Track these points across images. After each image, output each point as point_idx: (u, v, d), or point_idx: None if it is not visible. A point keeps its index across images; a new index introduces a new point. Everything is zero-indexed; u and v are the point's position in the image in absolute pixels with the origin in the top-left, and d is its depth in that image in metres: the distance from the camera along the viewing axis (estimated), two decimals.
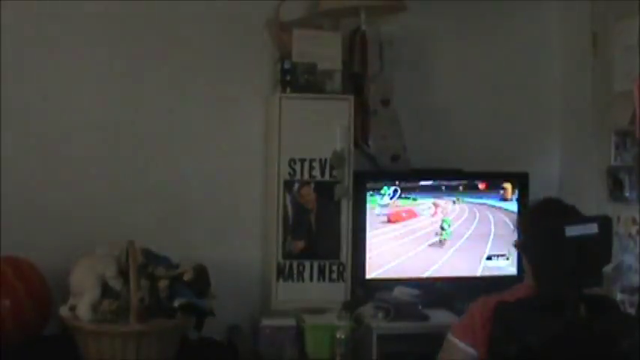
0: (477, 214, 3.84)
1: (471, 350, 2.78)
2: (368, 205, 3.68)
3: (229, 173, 3.78)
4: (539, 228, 2.76)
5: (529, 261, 2.84)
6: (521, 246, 2.96)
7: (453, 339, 2.84)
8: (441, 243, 3.80)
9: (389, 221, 3.72)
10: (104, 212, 3.61)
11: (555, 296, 2.66)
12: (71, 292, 3.23)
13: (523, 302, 2.72)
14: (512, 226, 3.70)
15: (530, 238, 2.83)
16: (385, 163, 3.84)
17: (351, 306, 3.52)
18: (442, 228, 3.80)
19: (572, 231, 2.64)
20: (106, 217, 3.60)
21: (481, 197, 3.85)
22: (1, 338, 3.18)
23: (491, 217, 3.86)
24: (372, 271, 3.70)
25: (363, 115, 3.76)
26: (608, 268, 3.05)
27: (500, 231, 3.85)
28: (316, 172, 3.60)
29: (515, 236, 3.09)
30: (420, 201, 3.77)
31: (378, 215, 3.70)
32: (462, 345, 2.80)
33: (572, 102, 4.09)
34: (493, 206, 3.86)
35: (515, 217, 3.79)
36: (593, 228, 2.67)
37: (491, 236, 3.86)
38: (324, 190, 3.61)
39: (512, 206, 3.85)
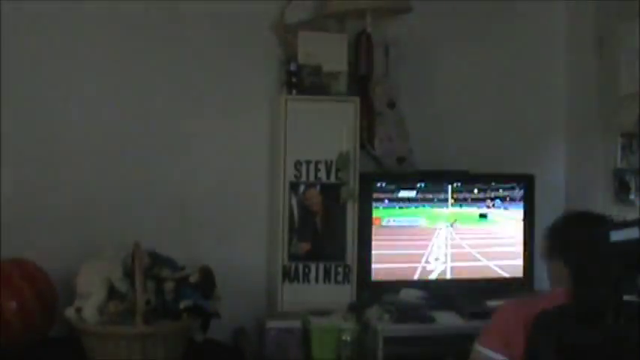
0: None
1: (502, 358, 2.65)
2: None
3: (235, 175, 3.78)
4: (583, 233, 2.70)
5: (569, 267, 2.73)
6: (556, 252, 2.87)
7: (483, 349, 2.68)
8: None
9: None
10: (110, 214, 3.61)
11: (596, 304, 2.61)
12: (77, 294, 3.23)
13: (564, 311, 2.65)
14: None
15: (573, 245, 2.76)
16: (391, 165, 3.84)
17: (356, 308, 3.53)
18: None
19: (616, 236, 2.59)
20: (112, 219, 3.60)
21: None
22: (8, 340, 3.18)
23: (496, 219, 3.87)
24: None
25: (368, 116, 3.76)
26: None
27: (506, 233, 3.86)
28: (322, 174, 3.60)
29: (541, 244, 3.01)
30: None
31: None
32: (494, 355, 2.66)
33: (578, 104, 4.08)
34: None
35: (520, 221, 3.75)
36: (635, 232, 2.61)
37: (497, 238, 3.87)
38: (330, 192, 3.61)
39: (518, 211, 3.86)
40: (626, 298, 2.66)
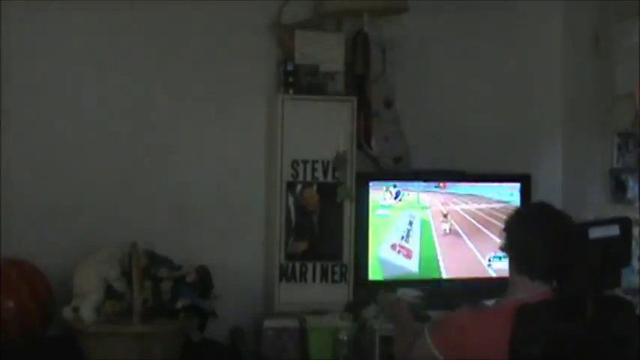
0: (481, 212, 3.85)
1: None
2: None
3: (232, 175, 3.78)
4: (562, 230, 2.72)
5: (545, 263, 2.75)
6: (521, 247, 2.86)
7: (432, 346, 2.73)
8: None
9: None
10: (107, 214, 3.61)
11: (577, 297, 2.64)
12: (74, 294, 3.24)
13: (545, 304, 2.68)
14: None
15: (543, 240, 2.75)
16: (388, 164, 3.84)
17: (353, 307, 3.53)
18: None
19: (595, 232, 2.63)
20: (109, 219, 3.60)
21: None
22: (5, 340, 3.18)
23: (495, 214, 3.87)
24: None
25: (365, 116, 3.76)
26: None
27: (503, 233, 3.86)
28: (319, 174, 3.61)
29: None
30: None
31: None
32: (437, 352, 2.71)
33: (575, 104, 4.09)
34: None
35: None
36: (615, 230, 2.66)
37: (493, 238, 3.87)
38: (327, 191, 3.62)
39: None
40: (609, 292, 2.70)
